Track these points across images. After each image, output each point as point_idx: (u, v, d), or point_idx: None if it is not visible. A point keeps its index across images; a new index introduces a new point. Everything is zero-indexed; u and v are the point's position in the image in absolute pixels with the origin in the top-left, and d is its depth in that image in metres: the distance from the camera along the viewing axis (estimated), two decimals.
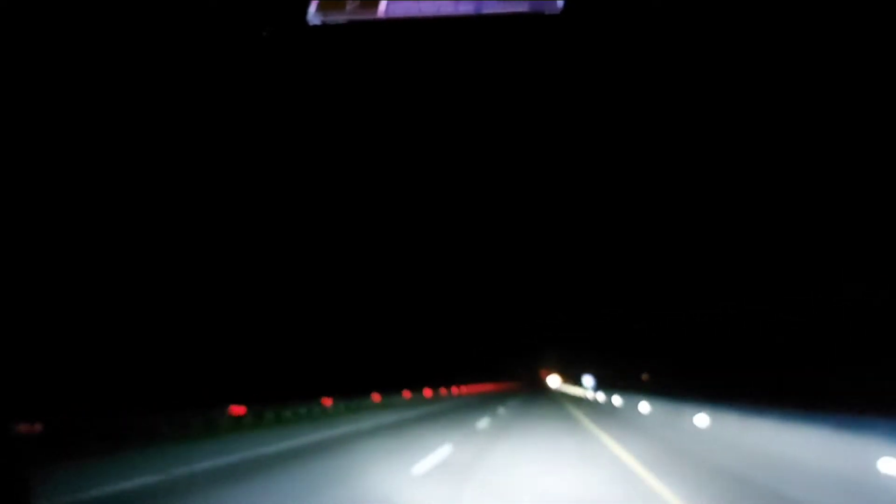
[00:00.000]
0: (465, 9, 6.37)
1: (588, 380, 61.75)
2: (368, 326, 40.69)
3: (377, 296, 43.33)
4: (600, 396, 39.28)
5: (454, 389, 57.50)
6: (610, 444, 13.96)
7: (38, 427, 12.14)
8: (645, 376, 57.90)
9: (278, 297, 28.28)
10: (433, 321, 61.11)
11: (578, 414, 24.73)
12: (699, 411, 15.23)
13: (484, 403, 36.47)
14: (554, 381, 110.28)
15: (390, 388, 36.21)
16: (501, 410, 27.83)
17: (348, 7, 6.42)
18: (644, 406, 21.66)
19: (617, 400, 29.14)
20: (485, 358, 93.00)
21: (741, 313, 24.17)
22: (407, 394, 39.52)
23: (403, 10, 6.39)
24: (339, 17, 6.51)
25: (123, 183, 19.03)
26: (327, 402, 26.12)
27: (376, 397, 33.02)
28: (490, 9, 6.36)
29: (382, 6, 6.40)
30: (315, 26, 6.61)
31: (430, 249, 55.28)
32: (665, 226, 32.35)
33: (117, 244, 18.64)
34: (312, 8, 6.53)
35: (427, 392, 46.37)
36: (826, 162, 18.08)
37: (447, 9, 6.37)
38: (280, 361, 27.24)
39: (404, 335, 49.72)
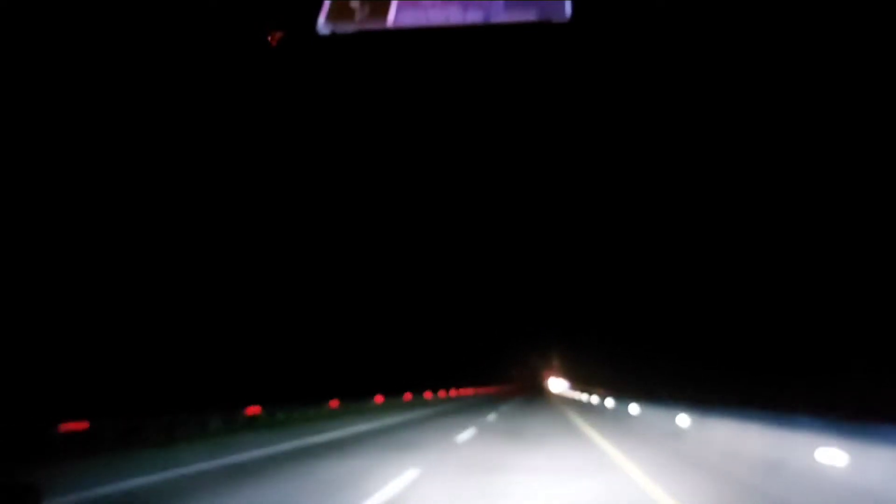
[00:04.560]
0: (474, 17, 6.39)
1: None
2: (366, 327, 39.94)
3: (374, 294, 42.70)
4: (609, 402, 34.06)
5: (452, 392, 57.07)
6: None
7: (79, 425, 12.70)
8: None
9: (282, 303, 28.09)
10: (429, 322, 59.25)
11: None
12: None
13: (488, 404, 36.89)
14: (557, 385, 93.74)
15: (389, 390, 35.47)
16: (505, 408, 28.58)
17: (357, 17, 6.47)
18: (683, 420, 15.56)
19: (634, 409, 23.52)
20: (480, 358, 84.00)
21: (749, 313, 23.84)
22: (408, 396, 39.39)
23: (412, 19, 6.43)
24: (348, 27, 6.56)
25: (142, 186, 19.24)
26: (334, 403, 26.00)
27: (379, 399, 32.74)
28: (498, 17, 6.38)
29: (391, 15, 6.45)
30: (325, 36, 6.68)
31: (428, 246, 54.90)
32: (672, 226, 32.16)
33: (132, 248, 18.70)
34: (322, 18, 6.59)
35: (427, 394, 46.36)
36: (827, 165, 17.98)
37: (456, 17, 6.40)
38: (284, 365, 26.98)
39: (401, 337, 48.68)
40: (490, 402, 39.94)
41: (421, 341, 53.57)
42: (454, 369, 62.78)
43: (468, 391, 64.42)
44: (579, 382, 68.84)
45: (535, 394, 71.51)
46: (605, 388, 42.10)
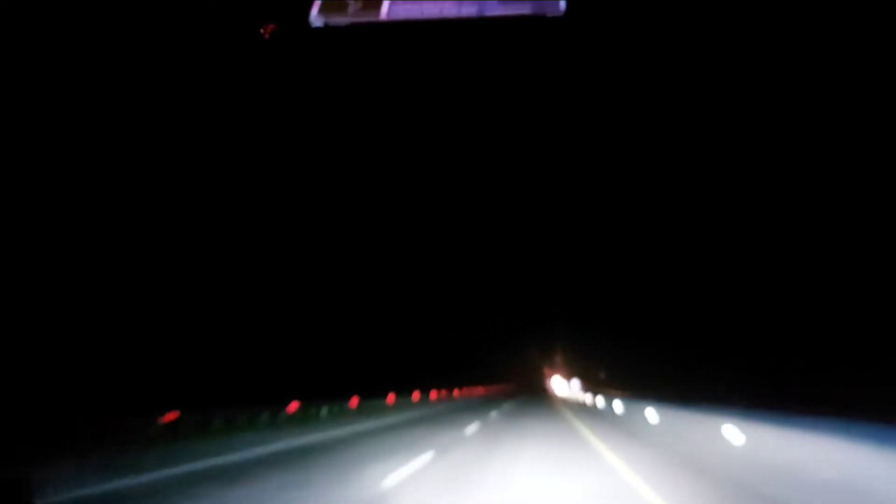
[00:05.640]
0: (468, 11, 6.37)
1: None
2: (343, 318, 38.06)
3: (353, 285, 41.35)
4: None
5: (444, 393, 53.90)
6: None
7: None
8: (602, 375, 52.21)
9: (244, 293, 26.55)
10: (415, 316, 56.49)
11: None
12: None
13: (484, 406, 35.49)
14: (561, 385, 79.09)
15: (370, 391, 32.12)
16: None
17: (350, 9, 6.43)
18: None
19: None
20: (470, 354, 75.81)
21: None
22: (391, 398, 37.07)
23: (405, 13, 6.39)
24: (341, 20, 6.52)
25: (124, 178, 18.96)
26: (293, 406, 23.13)
27: (354, 402, 30.58)
28: (492, 10, 6.36)
29: (384, 8, 6.41)
30: (317, 28, 6.64)
31: (419, 241, 54.22)
32: (668, 221, 32.07)
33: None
34: (315, 10, 6.55)
35: (415, 396, 43.20)
36: (827, 164, 18.05)
37: (449, 11, 6.37)
38: (240, 364, 24.89)
39: (383, 329, 46.25)
40: (476, 408, 36.59)
41: (399, 334, 49.18)
42: (440, 367, 58.48)
43: (456, 392, 58.61)
44: (588, 383, 59.61)
45: (534, 395, 64.74)
46: (618, 388, 35.81)
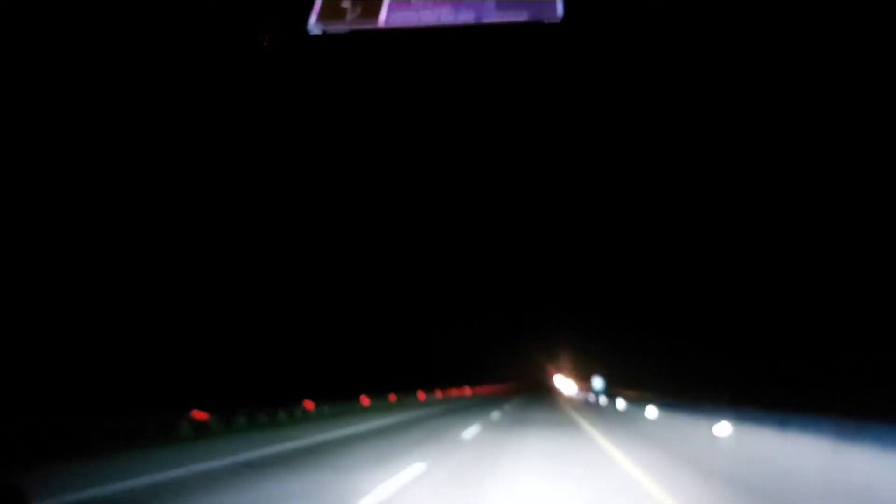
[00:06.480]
0: (465, 17, 6.38)
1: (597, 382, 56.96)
2: (348, 318, 38.04)
3: (359, 286, 41.26)
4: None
5: (452, 392, 54.46)
6: None
7: None
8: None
9: (254, 294, 26.55)
10: (422, 315, 56.33)
11: None
12: None
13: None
14: (565, 384, 73.74)
15: (373, 390, 32.85)
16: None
17: (348, 17, 6.44)
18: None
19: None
20: (473, 352, 75.36)
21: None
22: (392, 397, 37.45)
23: (403, 20, 6.40)
24: (339, 27, 6.53)
25: (125, 184, 18.97)
26: (309, 405, 24.14)
27: (365, 400, 31.18)
28: (490, 17, 6.37)
29: (383, 15, 6.42)
30: (316, 36, 6.65)
31: (421, 240, 54.24)
32: (668, 222, 32.00)
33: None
34: (313, 18, 6.56)
35: (420, 395, 43.08)
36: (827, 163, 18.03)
37: (447, 17, 6.38)
38: (251, 363, 25.25)
39: (391, 328, 46.25)
40: (489, 404, 36.72)
41: (402, 337, 49.44)
42: (442, 368, 58.46)
43: (464, 391, 59.24)
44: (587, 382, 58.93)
45: (539, 393, 64.62)
46: (624, 387, 33.78)
